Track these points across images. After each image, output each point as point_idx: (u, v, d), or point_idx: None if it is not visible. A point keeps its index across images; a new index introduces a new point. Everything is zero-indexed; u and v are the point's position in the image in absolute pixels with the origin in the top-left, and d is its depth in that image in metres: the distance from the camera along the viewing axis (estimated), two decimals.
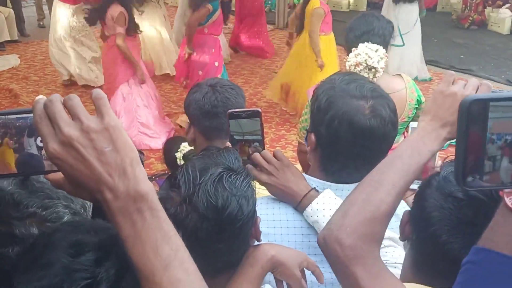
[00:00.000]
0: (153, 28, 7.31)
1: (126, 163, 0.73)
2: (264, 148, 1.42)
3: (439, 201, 1.08)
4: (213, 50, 5.74)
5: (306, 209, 1.39)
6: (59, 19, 6.89)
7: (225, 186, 1.10)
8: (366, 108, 1.38)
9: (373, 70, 2.63)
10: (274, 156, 1.45)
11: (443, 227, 1.06)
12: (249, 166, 1.39)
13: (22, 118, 0.79)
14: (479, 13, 10.05)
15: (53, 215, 1.03)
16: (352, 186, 1.42)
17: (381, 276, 1.09)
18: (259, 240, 1.23)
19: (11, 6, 9.50)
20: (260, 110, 1.38)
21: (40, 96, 0.77)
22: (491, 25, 9.97)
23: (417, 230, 1.14)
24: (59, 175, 0.82)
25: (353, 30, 2.79)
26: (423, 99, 2.72)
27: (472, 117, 0.88)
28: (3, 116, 0.80)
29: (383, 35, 2.77)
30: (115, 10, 5.32)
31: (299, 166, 1.63)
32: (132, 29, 5.49)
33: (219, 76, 5.54)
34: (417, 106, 2.71)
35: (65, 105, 0.74)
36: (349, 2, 11.48)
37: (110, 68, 5.66)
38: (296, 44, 6.04)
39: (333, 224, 1.13)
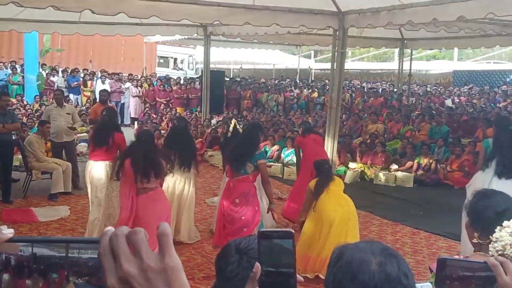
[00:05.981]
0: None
1: None
2: (295, 279, 1.27)
3: None
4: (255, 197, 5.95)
5: None
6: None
7: None
8: (373, 263, 1.33)
9: None
10: None
11: None
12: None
13: (93, 258, 0.81)
14: None
15: None
16: None
17: None
18: None
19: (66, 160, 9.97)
20: (293, 231, 1.27)
21: (109, 228, 0.80)
22: None
23: None
24: None
25: (491, 207, 2.66)
26: None
27: None
28: (77, 252, 0.81)
29: None
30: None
31: None
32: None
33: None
34: None
35: (128, 239, 0.77)
36: (395, 177, 11.58)
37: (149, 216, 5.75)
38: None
39: None
